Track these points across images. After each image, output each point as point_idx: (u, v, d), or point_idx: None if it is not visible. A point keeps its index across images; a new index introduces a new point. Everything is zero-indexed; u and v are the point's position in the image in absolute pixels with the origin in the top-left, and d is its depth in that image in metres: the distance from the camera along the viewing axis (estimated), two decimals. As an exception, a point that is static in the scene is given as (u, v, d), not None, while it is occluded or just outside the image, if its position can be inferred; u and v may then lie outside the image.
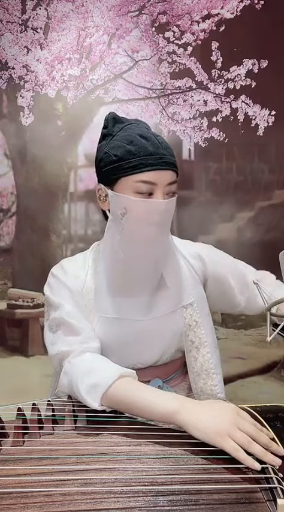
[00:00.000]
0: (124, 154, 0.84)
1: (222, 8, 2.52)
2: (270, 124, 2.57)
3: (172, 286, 0.99)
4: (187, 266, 1.04)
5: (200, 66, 2.58)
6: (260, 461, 0.62)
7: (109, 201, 0.90)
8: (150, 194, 0.85)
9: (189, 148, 2.69)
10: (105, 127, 0.92)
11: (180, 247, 1.05)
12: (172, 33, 2.57)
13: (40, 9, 2.56)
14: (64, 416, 0.77)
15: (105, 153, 0.88)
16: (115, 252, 0.93)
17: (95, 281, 0.96)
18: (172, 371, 1.06)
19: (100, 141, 0.92)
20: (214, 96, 2.60)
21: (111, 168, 0.86)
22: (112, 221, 0.92)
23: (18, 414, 0.75)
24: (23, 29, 2.58)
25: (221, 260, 1.09)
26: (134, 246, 0.90)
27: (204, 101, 2.61)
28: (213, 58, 2.56)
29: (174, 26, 2.56)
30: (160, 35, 2.58)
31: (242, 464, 0.62)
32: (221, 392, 1.04)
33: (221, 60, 2.56)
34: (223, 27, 2.54)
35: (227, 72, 2.57)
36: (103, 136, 0.92)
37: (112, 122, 0.90)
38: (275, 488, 0.57)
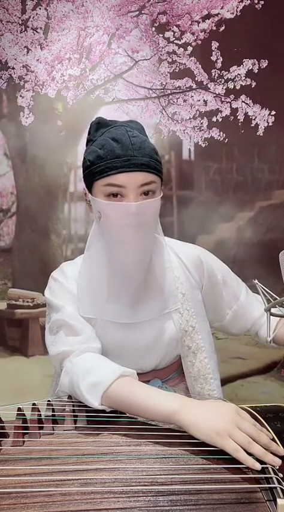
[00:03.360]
0: (95, 159, 0.86)
1: (222, 8, 2.53)
2: (270, 124, 2.58)
3: (158, 291, 0.98)
4: (183, 270, 1.02)
5: (200, 66, 2.58)
6: (260, 461, 0.62)
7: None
8: (123, 196, 0.85)
9: (189, 148, 2.69)
10: (88, 133, 0.93)
11: (177, 250, 1.04)
12: (172, 33, 2.58)
13: (40, 9, 2.56)
14: (64, 416, 0.77)
15: (84, 159, 0.90)
16: (99, 254, 0.95)
17: (78, 282, 0.96)
18: (171, 372, 1.06)
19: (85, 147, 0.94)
20: (214, 96, 2.60)
21: (87, 173, 0.89)
22: (95, 224, 0.94)
23: (18, 414, 0.75)
24: (23, 29, 2.58)
25: (217, 269, 1.08)
26: (114, 249, 0.90)
27: (204, 101, 2.61)
28: (213, 58, 2.57)
29: (174, 26, 2.57)
30: (160, 35, 2.58)
31: (242, 464, 0.62)
32: (220, 397, 1.04)
33: (221, 60, 2.56)
34: (223, 27, 2.55)
35: (227, 72, 2.57)
36: (86, 143, 0.93)
37: (95, 128, 0.91)
38: (275, 488, 0.57)
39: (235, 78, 2.57)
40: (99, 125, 0.90)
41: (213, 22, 2.55)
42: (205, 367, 1.02)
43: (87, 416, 0.78)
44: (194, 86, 2.61)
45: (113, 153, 0.83)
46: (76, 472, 0.61)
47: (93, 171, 0.86)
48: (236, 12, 2.52)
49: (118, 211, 0.85)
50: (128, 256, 0.89)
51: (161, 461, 0.64)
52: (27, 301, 2.87)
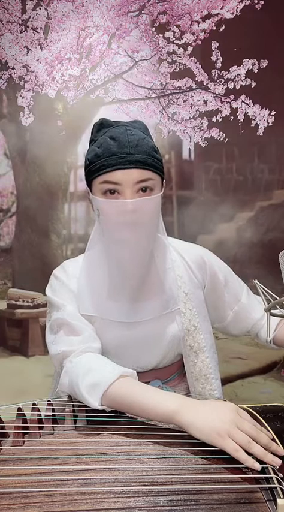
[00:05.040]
0: (93, 157, 0.87)
1: (222, 8, 2.52)
2: (270, 124, 2.57)
3: (160, 290, 0.98)
4: (186, 270, 1.02)
5: (200, 66, 2.58)
6: (260, 462, 0.62)
7: None
8: (119, 194, 0.85)
9: (189, 148, 2.69)
10: (91, 133, 0.94)
11: (180, 250, 1.04)
12: (172, 33, 2.57)
13: (40, 9, 2.56)
14: (64, 416, 0.77)
15: (85, 158, 0.91)
16: (100, 253, 0.95)
17: (79, 280, 0.96)
18: (171, 372, 1.06)
19: None
20: (214, 96, 2.60)
21: (86, 172, 0.90)
22: (97, 223, 0.95)
23: (18, 414, 0.75)
24: (23, 29, 2.58)
25: (219, 270, 1.08)
26: (113, 247, 0.91)
27: (204, 101, 2.61)
28: (213, 58, 2.56)
29: (174, 26, 2.56)
30: (160, 35, 2.58)
31: (242, 464, 0.62)
32: (220, 397, 1.03)
33: (221, 60, 2.56)
34: (223, 27, 2.54)
35: (227, 72, 2.57)
36: (89, 143, 0.94)
37: (97, 128, 0.92)
38: (275, 488, 0.57)
39: (235, 78, 2.57)
40: (101, 126, 0.91)
41: (212, 22, 2.54)
42: (207, 366, 1.02)
43: (87, 416, 0.78)
44: (194, 86, 2.60)
45: (109, 150, 0.84)
46: (76, 472, 0.61)
47: (91, 170, 0.87)
48: (236, 12, 2.52)
49: (114, 209, 0.85)
50: (126, 254, 0.89)
51: (161, 461, 0.64)
52: (27, 301, 2.86)
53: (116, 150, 0.84)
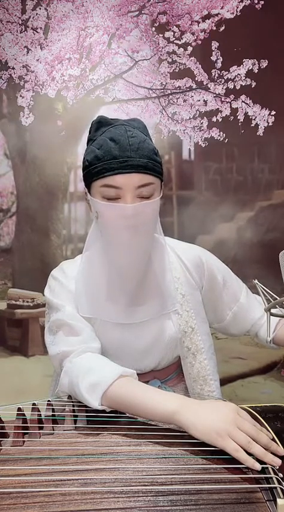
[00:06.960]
0: (93, 159, 0.86)
1: (222, 8, 2.52)
2: (270, 124, 2.57)
3: (157, 291, 0.98)
4: (183, 271, 1.02)
5: (200, 66, 2.58)
6: (260, 461, 0.62)
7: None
8: (120, 198, 0.85)
9: (189, 148, 2.69)
10: (89, 132, 0.93)
11: (178, 250, 1.04)
12: (172, 33, 2.57)
13: (40, 9, 2.56)
14: (64, 416, 0.77)
15: (83, 158, 0.90)
16: (97, 254, 0.95)
17: (76, 281, 0.96)
18: (170, 372, 1.06)
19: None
20: (214, 96, 2.60)
21: (85, 173, 0.89)
22: (94, 224, 0.94)
23: (18, 414, 0.75)
24: (23, 29, 2.58)
25: (218, 270, 1.08)
26: (111, 250, 0.91)
27: (204, 101, 2.61)
28: (213, 58, 2.56)
29: (174, 26, 2.56)
30: (160, 35, 2.57)
31: (242, 464, 0.62)
32: (219, 398, 1.03)
33: (221, 60, 2.56)
34: (223, 27, 2.54)
35: (227, 72, 2.57)
36: (87, 142, 0.93)
37: (96, 126, 0.90)
38: (275, 488, 0.57)
39: (235, 78, 2.56)
40: (100, 124, 0.90)
41: (212, 22, 2.54)
42: (205, 368, 1.02)
43: (87, 416, 0.78)
44: (194, 86, 2.60)
45: (110, 153, 0.83)
46: (76, 472, 0.61)
47: (91, 172, 0.86)
48: (236, 12, 2.52)
49: (114, 213, 0.85)
50: (125, 257, 0.89)
51: (161, 461, 0.64)
52: (27, 301, 2.86)
53: (117, 153, 0.83)
